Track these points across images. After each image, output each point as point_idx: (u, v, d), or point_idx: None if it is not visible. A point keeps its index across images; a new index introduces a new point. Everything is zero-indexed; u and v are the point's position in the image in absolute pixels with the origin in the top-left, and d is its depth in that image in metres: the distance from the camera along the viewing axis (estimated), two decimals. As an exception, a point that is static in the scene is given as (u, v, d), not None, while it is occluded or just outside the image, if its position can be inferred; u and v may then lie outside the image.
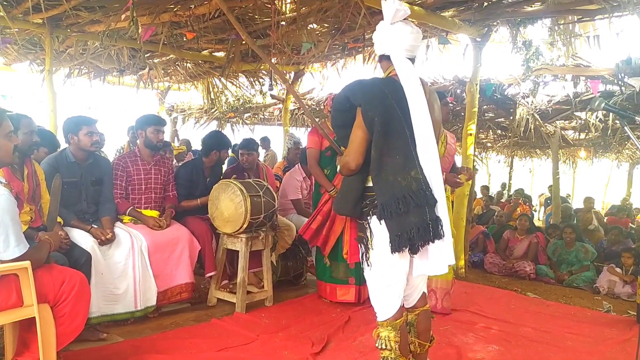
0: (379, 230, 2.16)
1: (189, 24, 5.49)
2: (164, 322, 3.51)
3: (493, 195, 11.41)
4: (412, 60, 2.25)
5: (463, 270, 5.48)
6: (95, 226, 3.31)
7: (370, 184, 2.22)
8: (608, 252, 6.17)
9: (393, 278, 2.20)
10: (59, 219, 3.10)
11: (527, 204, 10.65)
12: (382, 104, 2.13)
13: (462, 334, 3.49)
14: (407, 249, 2.07)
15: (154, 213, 3.74)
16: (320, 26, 6.01)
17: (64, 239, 2.92)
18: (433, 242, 2.06)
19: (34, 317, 2.17)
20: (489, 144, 12.36)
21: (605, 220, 8.81)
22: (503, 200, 11.55)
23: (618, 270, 5.31)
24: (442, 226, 2.07)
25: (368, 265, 2.25)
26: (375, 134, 2.12)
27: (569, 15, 5.04)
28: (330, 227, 3.86)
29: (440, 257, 2.09)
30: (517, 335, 3.52)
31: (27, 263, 2.14)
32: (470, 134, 5.46)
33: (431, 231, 2.04)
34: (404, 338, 2.22)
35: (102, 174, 3.53)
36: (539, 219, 12.45)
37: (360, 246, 2.31)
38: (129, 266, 3.33)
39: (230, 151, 6.79)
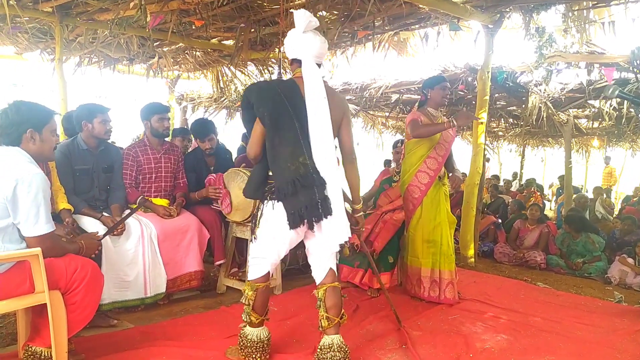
0: (269, 212, 2.51)
1: (197, 12, 5.47)
2: (173, 309, 3.55)
3: (499, 185, 11.23)
4: (319, 65, 2.57)
5: (473, 259, 5.45)
6: (106, 214, 3.35)
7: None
8: (620, 242, 6.10)
9: (266, 253, 2.59)
10: (69, 207, 3.13)
11: (540, 193, 10.56)
12: (272, 101, 2.46)
13: (470, 323, 3.48)
14: (304, 225, 2.41)
15: (164, 202, 3.76)
16: (329, 13, 5.96)
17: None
18: (324, 218, 2.39)
19: (46, 304, 2.20)
20: (500, 133, 12.23)
21: (623, 211, 8.68)
22: (513, 189, 11.44)
23: (630, 260, 5.25)
24: (330, 204, 2.39)
25: (255, 239, 2.62)
26: (266, 127, 2.44)
27: (584, 1, 4.94)
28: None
29: (333, 233, 2.42)
30: (527, 325, 3.50)
31: (37, 250, 2.16)
32: (482, 123, 5.40)
33: (320, 208, 2.37)
34: (260, 298, 2.61)
35: (112, 161, 3.56)
36: (550, 209, 12.34)
37: (252, 222, 2.68)
38: (139, 254, 3.35)
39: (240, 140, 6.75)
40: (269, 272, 2.66)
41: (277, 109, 2.44)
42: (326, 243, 2.47)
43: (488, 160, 15.24)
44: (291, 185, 2.37)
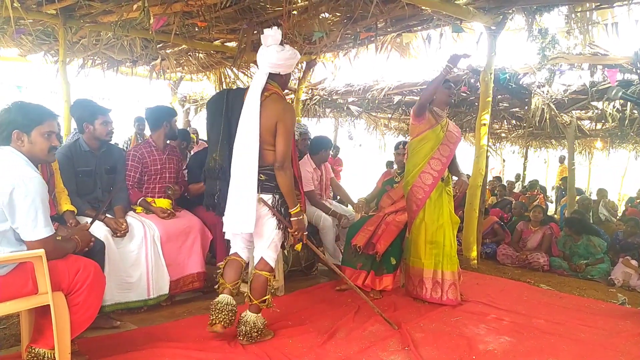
0: None
1: (200, 14, 5.48)
2: (176, 311, 3.55)
3: (504, 184, 11.20)
4: (281, 73, 2.93)
5: (475, 261, 5.44)
6: (109, 215, 3.35)
7: None
8: (624, 244, 6.07)
9: (227, 234, 3.03)
10: (72, 208, 3.14)
11: (542, 195, 10.54)
12: (213, 106, 2.99)
13: (473, 325, 3.47)
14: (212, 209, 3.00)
15: (166, 202, 3.76)
16: (332, 15, 5.96)
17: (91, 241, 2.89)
18: (215, 209, 2.96)
19: (49, 305, 2.21)
20: (503, 135, 12.21)
21: (626, 212, 8.66)
22: (516, 190, 11.40)
23: (633, 262, 5.23)
24: (226, 198, 2.83)
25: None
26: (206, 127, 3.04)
27: (587, 2, 4.93)
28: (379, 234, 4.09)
29: (230, 221, 2.85)
30: (530, 326, 3.50)
31: (41, 251, 2.17)
32: (484, 124, 5.39)
33: (216, 199, 2.91)
34: (228, 269, 3.02)
35: (115, 163, 3.56)
36: (555, 213, 12.29)
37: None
38: (142, 255, 3.36)
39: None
40: (237, 252, 3.07)
41: (216, 113, 2.94)
42: (226, 228, 2.91)
43: (504, 160, 15.63)
44: (202, 175, 3.01)
